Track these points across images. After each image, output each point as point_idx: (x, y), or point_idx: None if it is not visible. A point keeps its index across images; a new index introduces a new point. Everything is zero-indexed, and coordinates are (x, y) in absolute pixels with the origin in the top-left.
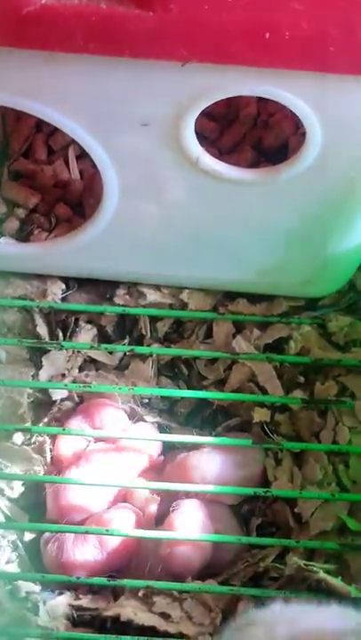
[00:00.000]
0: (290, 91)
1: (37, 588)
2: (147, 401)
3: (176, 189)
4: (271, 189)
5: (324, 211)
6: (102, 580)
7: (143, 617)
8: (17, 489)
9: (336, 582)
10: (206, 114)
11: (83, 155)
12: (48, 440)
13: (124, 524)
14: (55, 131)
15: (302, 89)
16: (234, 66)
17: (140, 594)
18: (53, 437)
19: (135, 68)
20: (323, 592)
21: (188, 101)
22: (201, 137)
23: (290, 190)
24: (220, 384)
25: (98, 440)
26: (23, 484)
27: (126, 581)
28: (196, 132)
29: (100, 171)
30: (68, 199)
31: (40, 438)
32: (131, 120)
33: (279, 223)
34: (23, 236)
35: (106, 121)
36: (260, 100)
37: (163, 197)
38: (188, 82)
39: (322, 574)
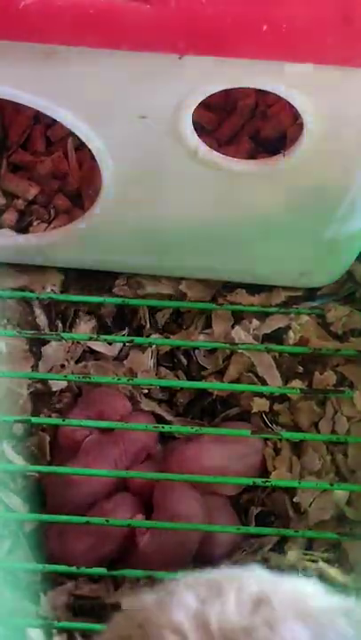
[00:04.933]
0: (287, 82)
1: (38, 578)
2: (146, 391)
3: (174, 180)
4: (269, 180)
5: (322, 201)
6: (102, 570)
7: None
8: (18, 480)
9: (334, 571)
10: (205, 104)
11: (81, 146)
12: (48, 431)
13: (124, 514)
14: (54, 122)
15: (299, 81)
16: (231, 58)
17: (141, 583)
18: (54, 428)
19: (133, 60)
20: (321, 581)
21: (185, 93)
22: (199, 128)
23: (288, 181)
24: (220, 374)
25: (100, 430)
26: (24, 475)
27: (126, 571)
28: (195, 123)
29: (99, 162)
30: (66, 190)
31: (40, 429)
32: (129, 112)
33: (277, 214)
34: (22, 227)
35: (104, 113)
36: (259, 90)
37: (161, 188)
38: (186, 74)
39: (320, 563)
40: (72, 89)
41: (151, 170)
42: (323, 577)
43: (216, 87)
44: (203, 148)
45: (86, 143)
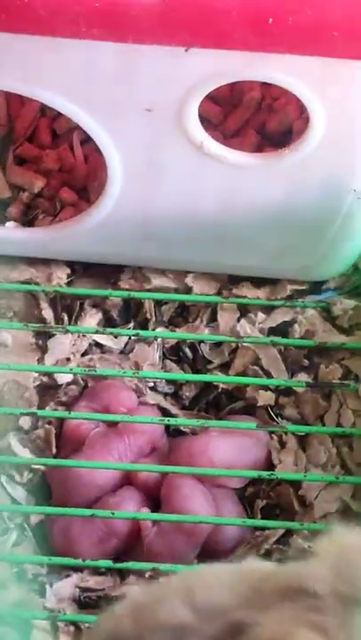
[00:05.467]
0: (293, 75)
1: (44, 570)
2: (152, 384)
3: (180, 174)
4: (275, 173)
5: (328, 194)
6: (108, 563)
7: None
8: (24, 473)
9: None
10: (210, 97)
11: (87, 139)
12: (54, 424)
13: (129, 507)
14: (60, 115)
15: (306, 74)
16: (237, 51)
17: (147, 575)
18: (59, 421)
19: (139, 53)
20: None
21: (191, 86)
22: (205, 121)
23: (294, 174)
24: (225, 367)
25: (106, 424)
26: (30, 468)
27: (132, 564)
28: (200, 116)
29: (105, 155)
30: (72, 183)
31: (46, 422)
32: (134, 105)
33: (283, 207)
34: (28, 220)
35: (109, 106)
36: (265, 84)
37: (167, 182)
38: (192, 67)
39: None
40: (77, 82)
41: (157, 163)
42: None
43: (222, 80)
44: (208, 142)
45: (92, 136)
